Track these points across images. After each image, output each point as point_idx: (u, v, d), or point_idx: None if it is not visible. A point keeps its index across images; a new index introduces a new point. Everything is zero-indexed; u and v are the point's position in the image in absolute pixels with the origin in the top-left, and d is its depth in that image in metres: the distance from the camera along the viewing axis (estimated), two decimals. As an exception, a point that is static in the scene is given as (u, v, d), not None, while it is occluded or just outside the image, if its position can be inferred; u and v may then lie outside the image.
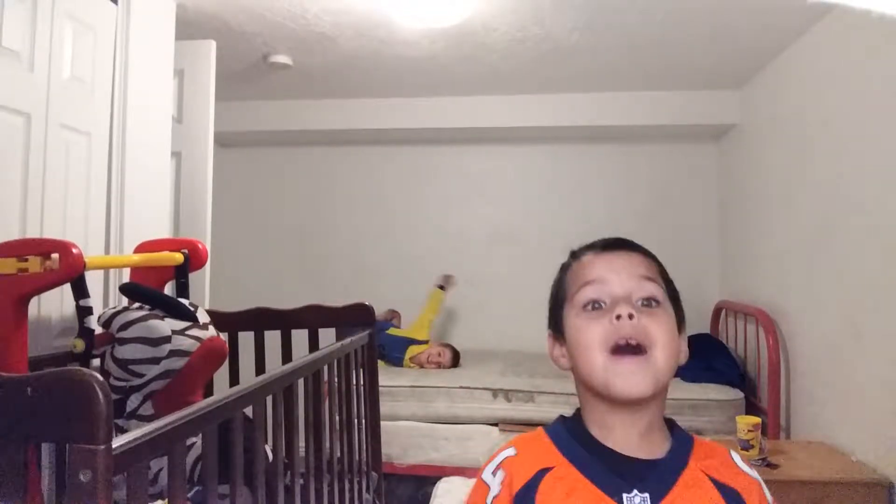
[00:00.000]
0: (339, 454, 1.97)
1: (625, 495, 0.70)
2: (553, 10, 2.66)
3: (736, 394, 3.09)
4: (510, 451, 0.78)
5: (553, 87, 3.74)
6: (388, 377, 3.24)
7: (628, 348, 0.72)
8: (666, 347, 0.72)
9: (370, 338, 2.33)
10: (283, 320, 2.32)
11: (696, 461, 0.74)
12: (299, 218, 4.41)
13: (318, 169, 4.42)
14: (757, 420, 2.38)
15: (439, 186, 4.34)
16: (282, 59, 3.19)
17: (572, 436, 0.77)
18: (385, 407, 2.63)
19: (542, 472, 0.73)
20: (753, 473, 0.76)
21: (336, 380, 1.98)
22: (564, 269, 0.85)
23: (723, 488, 0.72)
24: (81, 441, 0.76)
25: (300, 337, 2.33)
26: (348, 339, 2.08)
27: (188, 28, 2.65)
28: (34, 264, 1.43)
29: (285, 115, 4.04)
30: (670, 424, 0.79)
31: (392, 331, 3.72)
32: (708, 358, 3.32)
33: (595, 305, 0.75)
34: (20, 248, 1.46)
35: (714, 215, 4.08)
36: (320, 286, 4.19)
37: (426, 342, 3.62)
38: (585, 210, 4.17)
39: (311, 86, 3.70)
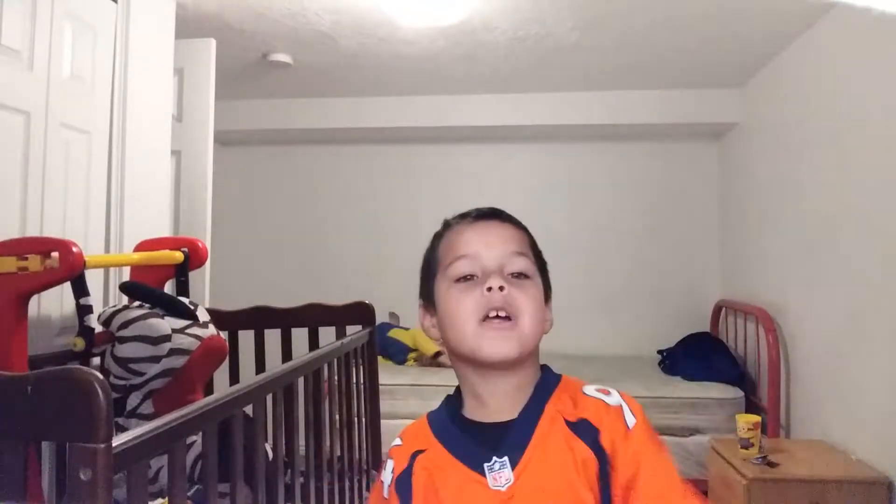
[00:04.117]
0: (339, 453, 1.97)
1: (485, 465, 0.71)
2: (553, 9, 2.66)
3: (736, 392, 3.09)
4: (397, 442, 0.82)
5: (553, 86, 3.73)
6: (388, 375, 3.24)
7: (497, 318, 0.74)
8: (532, 316, 0.75)
9: (370, 336, 2.33)
10: (283, 319, 2.32)
11: (553, 406, 0.75)
12: (299, 216, 4.41)
13: (318, 167, 4.42)
14: (757, 419, 2.38)
15: (440, 185, 4.33)
16: (282, 57, 3.19)
17: (448, 415, 0.80)
18: (385, 405, 2.62)
19: (416, 455, 0.77)
20: (609, 399, 0.75)
21: (336, 378, 1.98)
22: (437, 238, 0.85)
23: (574, 425, 0.73)
24: (81, 440, 0.76)
25: (300, 335, 2.34)
26: (348, 338, 2.09)
27: (188, 27, 2.65)
28: (34, 263, 1.43)
29: (285, 114, 4.03)
30: (543, 371, 0.80)
31: (394, 333, 3.71)
32: (708, 357, 3.32)
33: (467, 278, 0.77)
34: (20, 247, 1.46)
35: (714, 214, 4.08)
36: (320, 285, 4.18)
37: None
38: (586, 209, 4.17)
39: (311, 84, 3.70)
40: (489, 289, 0.74)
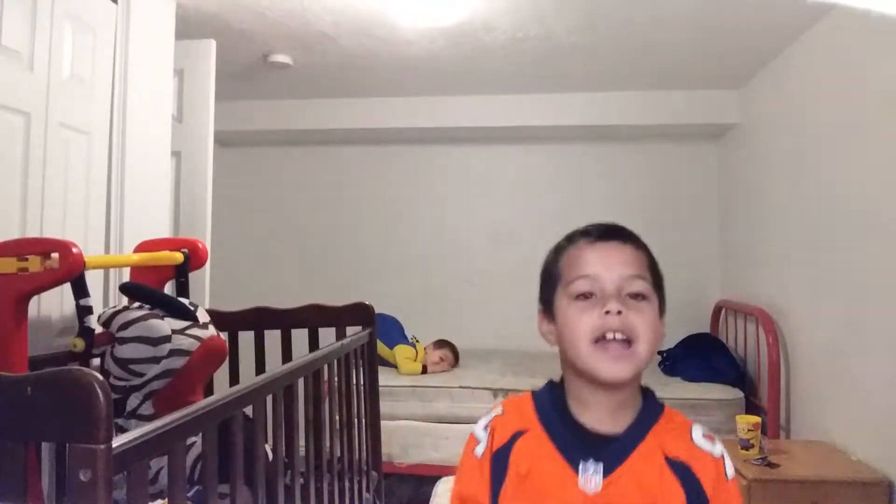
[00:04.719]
0: (339, 454, 1.97)
1: (582, 463, 0.78)
2: (553, 10, 2.66)
3: (736, 393, 3.09)
4: (498, 410, 0.89)
5: (553, 87, 3.73)
6: (388, 377, 3.24)
7: (614, 340, 0.79)
8: (648, 341, 0.79)
9: (370, 337, 2.33)
10: (283, 320, 2.32)
11: (655, 436, 0.80)
12: (299, 217, 4.41)
13: (318, 168, 4.42)
14: (757, 419, 2.38)
15: (439, 186, 4.33)
16: (282, 58, 3.19)
17: (552, 404, 0.85)
18: (385, 406, 2.62)
19: (518, 434, 0.84)
20: (711, 448, 0.81)
21: (336, 379, 1.98)
22: (559, 250, 0.89)
23: (674, 463, 0.78)
24: (81, 440, 0.76)
25: (300, 336, 2.33)
26: (348, 339, 2.08)
27: (188, 27, 2.65)
28: (34, 263, 1.43)
29: (285, 115, 4.03)
30: (646, 395, 0.85)
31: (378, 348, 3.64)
32: (708, 357, 3.32)
33: (586, 296, 0.82)
34: (20, 248, 1.46)
35: (714, 215, 4.08)
36: (320, 286, 4.17)
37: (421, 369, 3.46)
38: (586, 209, 4.15)
39: (311, 85, 3.70)
40: (607, 312, 0.79)
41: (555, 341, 0.86)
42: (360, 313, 2.34)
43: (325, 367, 1.84)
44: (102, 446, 0.76)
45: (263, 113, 4.04)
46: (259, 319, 2.33)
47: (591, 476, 0.77)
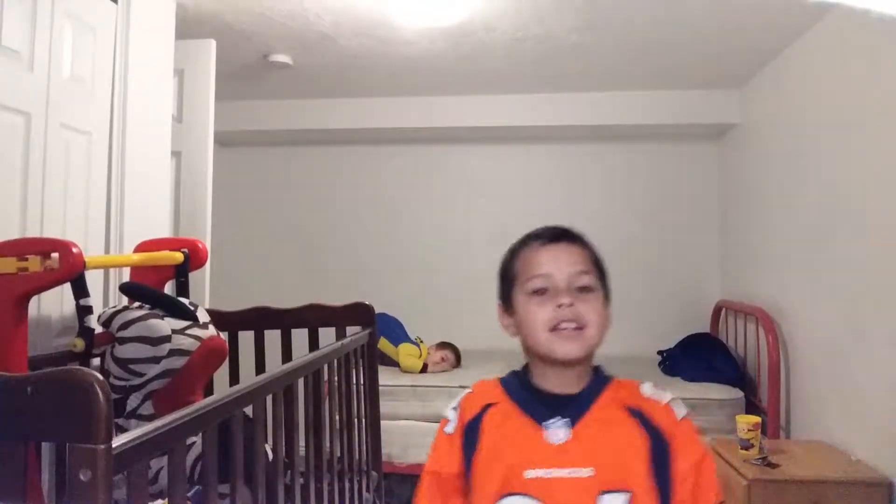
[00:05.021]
0: (339, 453, 1.97)
1: (548, 421, 0.90)
2: (553, 10, 2.66)
3: (736, 393, 3.09)
4: (468, 391, 1.02)
5: (553, 87, 3.73)
6: (388, 376, 3.24)
7: (568, 328, 0.92)
8: (596, 325, 0.93)
9: (370, 337, 2.33)
10: (283, 320, 2.33)
11: (610, 392, 0.94)
12: (299, 217, 4.41)
13: (318, 168, 4.42)
14: (757, 419, 2.38)
15: (439, 186, 4.33)
16: (282, 58, 3.19)
17: (518, 381, 0.99)
18: (385, 406, 2.62)
19: (488, 406, 0.96)
20: (660, 396, 0.95)
21: (336, 379, 1.98)
22: (514, 253, 1.01)
23: (632, 410, 0.92)
24: (81, 440, 0.76)
25: (300, 336, 2.33)
26: (348, 339, 2.09)
27: (188, 27, 2.65)
28: (34, 263, 1.43)
29: (285, 115, 4.03)
30: (595, 370, 0.98)
31: (382, 345, 3.67)
32: (708, 357, 3.32)
33: (541, 292, 0.94)
34: (20, 248, 1.46)
35: (714, 215, 4.08)
36: (320, 286, 4.17)
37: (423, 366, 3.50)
38: (586, 209, 4.16)
39: (311, 85, 3.70)
40: (560, 305, 0.91)
41: (515, 332, 0.99)
42: (360, 313, 2.34)
43: (325, 366, 1.84)
44: (102, 446, 0.77)
45: (263, 113, 4.04)
46: (259, 319, 2.33)
47: (556, 430, 0.89)
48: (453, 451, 0.95)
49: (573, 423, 0.89)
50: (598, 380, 0.96)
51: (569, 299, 0.91)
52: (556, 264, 0.94)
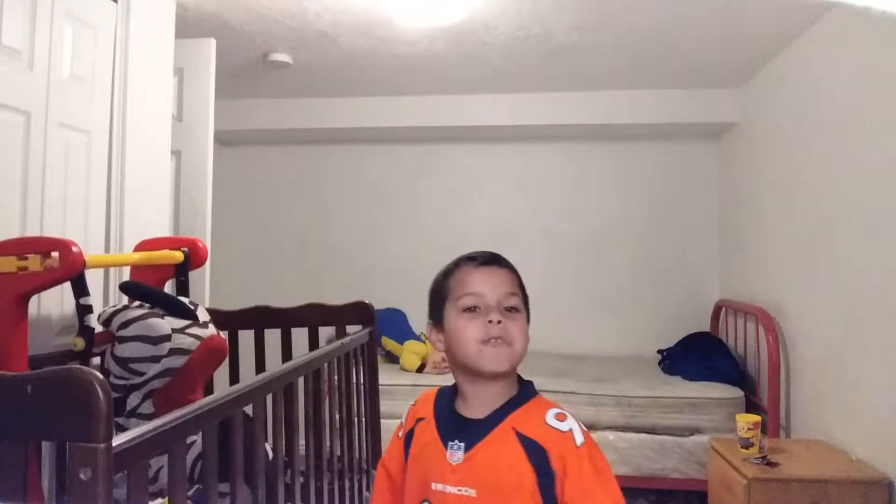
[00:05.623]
0: (339, 452, 1.97)
1: (449, 443, 1.00)
2: (553, 9, 2.66)
3: (736, 392, 3.09)
4: (412, 402, 1.15)
5: (553, 86, 3.73)
6: (388, 375, 3.23)
7: (496, 343, 0.99)
8: (521, 342, 1.01)
9: (370, 336, 2.33)
10: (283, 318, 2.32)
11: (512, 420, 0.99)
12: (299, 216, 4.41)
13: (318, 167, 4.42)
14: (757, 418, 2.39)
15: (439, 185, 4.33)
16: (282, 57, 3.19)
17: (446, 398, 1.08)
18: (385, 405, 2.62)
19: (419, 420, 1.08)
20: (560, 425, 0.98)
21: (336, 378, 1.98)
22: (448, 273, 1.09)
23: (525, 440, 0.97)
24: (81, 439, 0.76)
25: (300, 335, 2.33)
26: (348, 338, 2.09)
27: (188, 26, 2.65)
28: (34, 263, 1.43)
29: (285, 114, 4.03)
30: (523, 386, 1.05)
31: (386, 343, 3.68)
32: (708, 356, 3.32)
33: (472, 309, 1.02)
34: (20, 247, 1.46)
35: (714, 214, 4.08)
36: (320, 285, 4.18)
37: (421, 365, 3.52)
38: (585, 209, 4.17)
39: (310, 84, 3.70)
40: (490, 321, 0.99)
41: (443, 347, 1.07)
42: (360, 312, 2.34)
43: (325, 365, 1.84)
44: (102, 445, 0.76)
45: (263, 112, 4.04)
46: (259, 318, 2.33)
47: (454, 451, 0.99)
48: (398, 453, 1.10)
49: (468, 447, 0.98)
50: (514, 401, 1.02)
51: (498, 317, 0.99)
52: (487, 285, 1.02)
